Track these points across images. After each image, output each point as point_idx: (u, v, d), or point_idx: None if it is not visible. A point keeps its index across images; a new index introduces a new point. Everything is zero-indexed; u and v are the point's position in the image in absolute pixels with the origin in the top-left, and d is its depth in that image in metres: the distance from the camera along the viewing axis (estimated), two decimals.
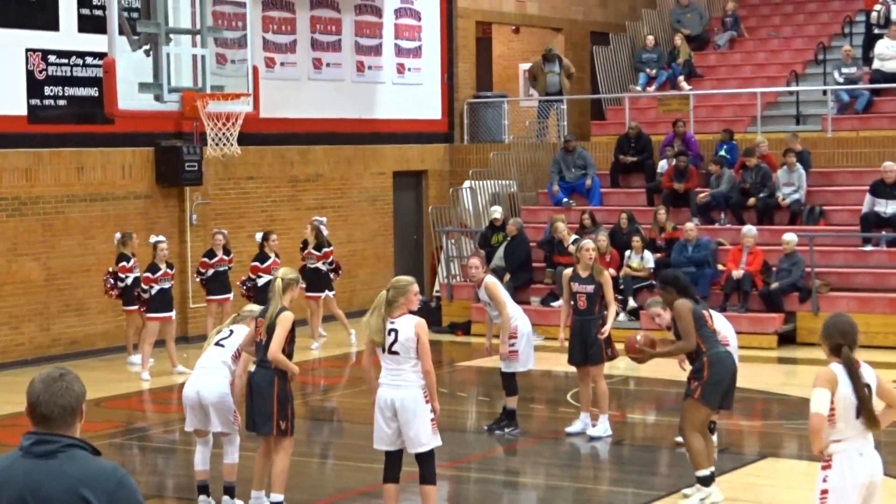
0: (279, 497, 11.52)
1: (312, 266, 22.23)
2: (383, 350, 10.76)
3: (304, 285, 21.27)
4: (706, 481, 11.85)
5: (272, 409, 11.34)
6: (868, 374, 8.15)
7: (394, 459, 11.00)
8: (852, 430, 8.09)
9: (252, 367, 11.73)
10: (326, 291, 22.37)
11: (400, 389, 10.71)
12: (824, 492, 8.18)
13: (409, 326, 10.68)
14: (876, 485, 8.20)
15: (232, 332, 12.14)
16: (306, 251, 22.31)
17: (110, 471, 5.08)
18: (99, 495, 5.00)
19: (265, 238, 21.35)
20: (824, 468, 8.19)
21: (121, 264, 20.21)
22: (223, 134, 19.74)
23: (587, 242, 15.33)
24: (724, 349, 12.36)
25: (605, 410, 15.00)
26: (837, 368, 8.12)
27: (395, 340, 10.70)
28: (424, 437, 10.75)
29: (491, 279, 15.22)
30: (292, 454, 11.69)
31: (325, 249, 22.37)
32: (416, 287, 10.88)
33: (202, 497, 12.14)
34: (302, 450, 13.43)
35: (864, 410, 8.06)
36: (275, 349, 11.25)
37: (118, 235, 20.49)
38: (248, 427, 11.69)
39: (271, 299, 11.51)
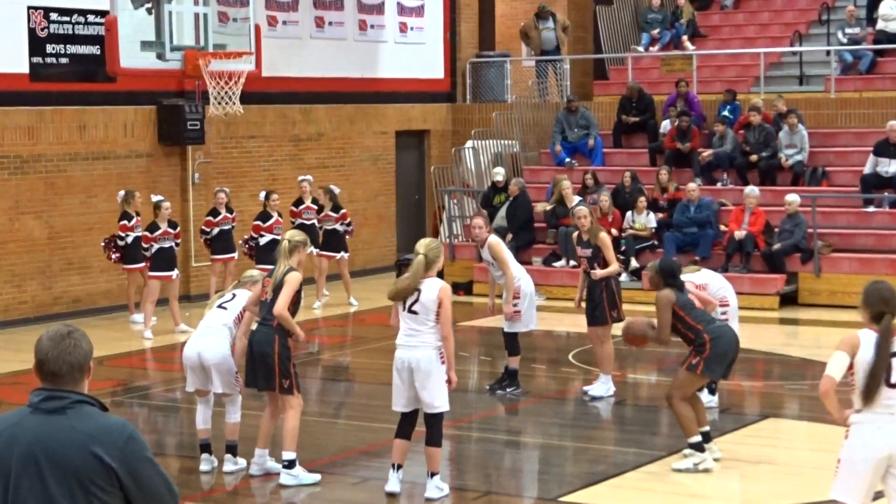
0: (291, 455, 11.58)
1: (329, 227, 22.25)
2: (403, 308, 10.83)
3: (313, 250, 21.37)
4: (698, 447, 11.88)
5: (274, 367, 11.40)
6: None
7: (409, 419, 11.08)
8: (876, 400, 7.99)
9: (254, 326, 11.79)
10: (342, 253, 22.43)
11: (416, 350, 10.79)
12: (839, 461, 8.18)
13: (433, 289, 10.89)
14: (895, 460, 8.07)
15: (234, 295, 12.20)
16: (323, 213, 22.28)
17: (120, 426, 5.11)
18: (109, 450, 5.03)
19: (267, 197, 21.35)
20: (845, 438, 8.18)
21: (122, 223, 20.20)
22: (225, 93, 19.74)
23: (580, 209, 15.40)
24: (722, 323, 12.39)
25: (608, 371, 15.04)
26: (865, 334, 8.02)
27: (417, 300, 10.81)
28: (438, 399, 10.85)
29: (494, 239, 15.23)
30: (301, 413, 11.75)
31: (343, 211, 22.42)
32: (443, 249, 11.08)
33: (204, 455, 12.19)
34: (303, 409, 13.48)
35: (871, 381, 7.93)
36: (281, 306, 11.29)
37: (122, 194, 20.47)
38: (248, 384, 11.76)
39: (278, 260, 11.56)
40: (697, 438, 11.87)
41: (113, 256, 20.30)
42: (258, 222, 21.22)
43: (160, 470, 5.12)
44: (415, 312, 10.86)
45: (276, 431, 11.95)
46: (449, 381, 10.87)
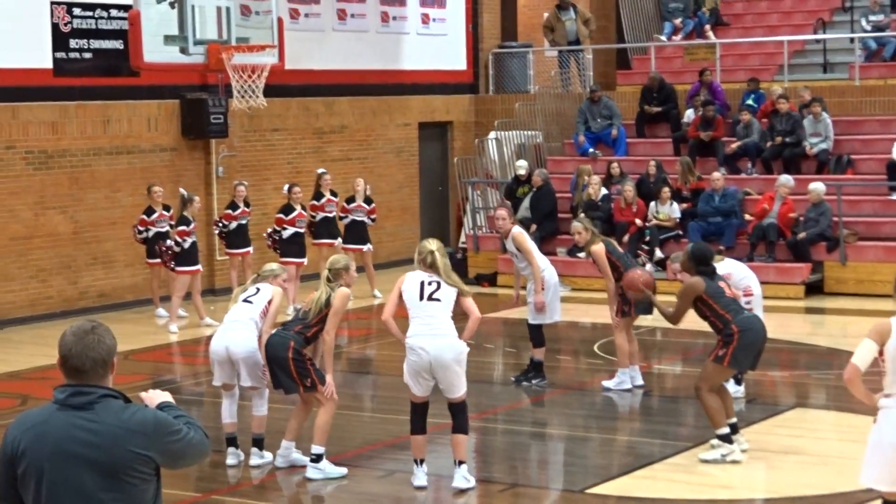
0: (320, 449, 11.62)
1: (359, 219, 22.24)
2: (420, 298, 10.85)
3: (339, 241, 21.46)
4: (727, 438, 11.84)
5: (291, 371, 11.49)
6: None
7: (423, 410, 11.07)
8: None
9: (272, 330, 11.89)
10: (369, 245, 22.47)
11: (437, 339, 10.77)
12: (868, 446, 8.15)
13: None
14: None
15: (258, 289, 12.24)
16: (355, 203, 22.25)
17: (145, 415, 5.18)
18: (142, 441, 5.10)
19: (290, 190, 21.35)
20: (874, 422, 8.15)
21: (142, 216, 20.28)
22: (249, 86, 19.73)
23: (574, 225, 15.37)
24: (751, 313, 12.32)
25: (623, 364, 15.00)
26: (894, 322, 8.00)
27: (438, 288, 10.82)
28: (461, 384, 10.89)
29: (518, 230, 15.20)
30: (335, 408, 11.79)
31: (374, 205, 22.45)
32: None
33: (231, 449, 12.20)
34: None
35: None
36: (331, 337, 11.55)
37: (159, 190, 20.61)
38: (275, 386, 11.83)
39: (320, 287, 11.69)
40: (725, 430, 11.83)
41: (137, 238, 20.43)
42: (281, 215, 21.22)
43: (188, 436, 5.21)
44: (437, 300, 10.93)
45: (307, 425, 11.95)
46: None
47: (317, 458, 11.63)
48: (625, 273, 14.11)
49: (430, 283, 10.96)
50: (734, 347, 11.69)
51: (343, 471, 11.73)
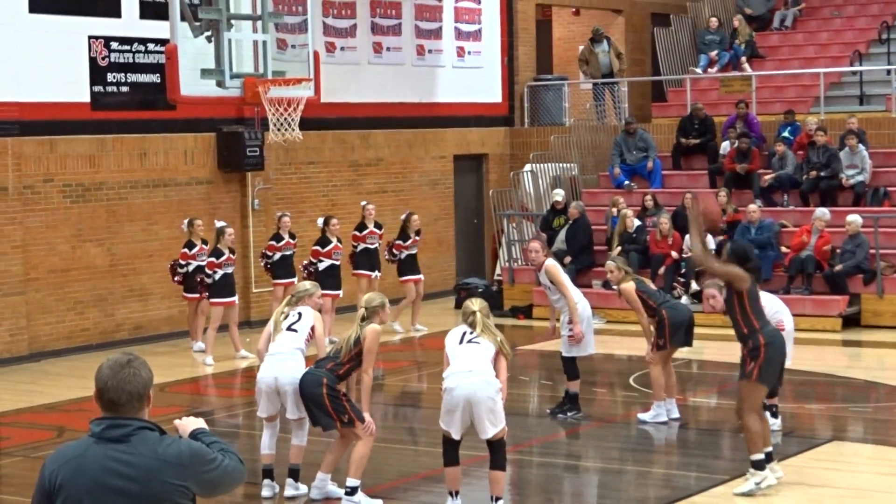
0: (355, 482, 11.58)
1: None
2: (460, 343, 11.00)
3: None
4: (760, 465, 11.79)
5: (327, 408, 11.54)
6: None
7: (455, 442, 11.07)
8: None
9: (306, 368, 11.94)
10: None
11: (472, 375, 10.83)
12: None
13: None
14: None
15: (300, 315, 12.27)
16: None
17: (181, 447, 5.20)
18: (180, 473, 5.13)
19: (326, 223, 21.38)
20: None
21: (183, 250, 20.32)
22: (285, 119, 19.79)
23: (608, 263, 15.47)
24: (773, 327, 12.27)
25: (659, 397, 14.95)
26: None
27: (478, 336, 11.03)
28: (496, 422, 10.90)
29: (551, 262, 15.20)
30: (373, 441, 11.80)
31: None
32: None
33: (266, 481, 12.20)
34: None
35: None
36: (369, 376, 11.74)
37: (185, 221, 20.63)
38: (313, 423, 11.83)
39: (354, 325, 11.82)
40: (760, 456, 11.78)
41: (175, 278, 20.45)
42: (317, 247, 21.25)
43: (223, 464, 5.25)
44: (477, 342, 10.97)
45: (343, 458, 11.95)
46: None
47: (352, 491, 11.59)
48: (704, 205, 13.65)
49: (471, 333, 11.10)
50: (762, 361, 11.65)
51: (378, 503, 11.72)
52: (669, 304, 15.10)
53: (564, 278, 15.15)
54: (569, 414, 15.31)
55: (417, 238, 22.50)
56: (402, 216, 22.56)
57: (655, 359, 14.87)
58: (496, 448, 10.99)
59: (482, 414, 10.82)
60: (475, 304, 11.29)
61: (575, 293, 15.21)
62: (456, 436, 11.01)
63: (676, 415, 15.07)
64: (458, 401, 10.83)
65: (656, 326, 14.75)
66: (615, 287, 15.36)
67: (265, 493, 12.15)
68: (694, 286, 22.57)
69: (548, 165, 26.82)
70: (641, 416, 15.13)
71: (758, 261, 12.27)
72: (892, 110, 25.59)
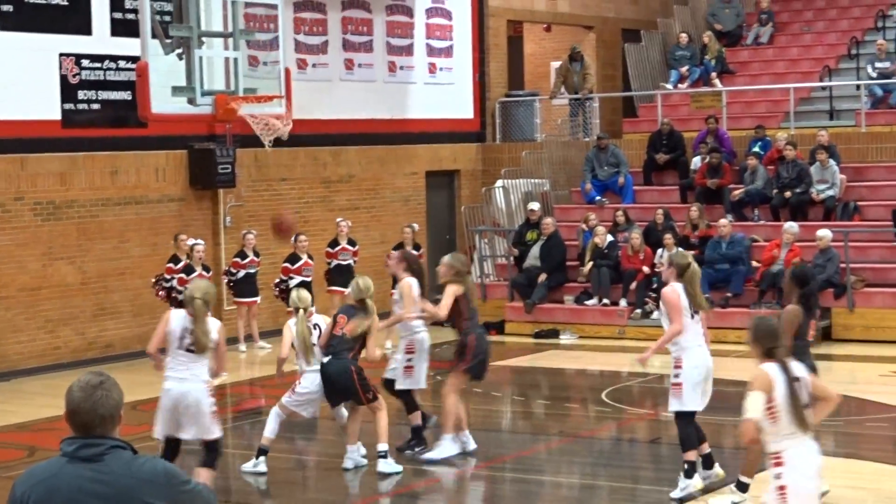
0: (385, 446, 13.22)
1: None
2: (179, 347, 11.60)
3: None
4: (744, 488, 11.83)
5: (357, 390, 13.15)
6: (798, 370, 8.47)
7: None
8: (793, 425, 8.38)
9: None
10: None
11: (185, 383, 11.47)
12: (783, 489, 8.42)
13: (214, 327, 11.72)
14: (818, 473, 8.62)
15: (317, 325, 13.62)
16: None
17: (157, 467, 5.19)
18: (155, 491, 5.12)
19: (295, 239, 21.41)
20: (776, 465, 8.45)
21: (168, 265, 20.37)
22: (266, 126, 19.82)
23: (444, 259, 14.37)
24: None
25: (451, 430, 13.93)
26: (771, 369, 8.40)
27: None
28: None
29: (407, 281, 14.39)
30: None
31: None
32: None
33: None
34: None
35: (795, 410, 8.35)
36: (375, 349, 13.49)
37: (175, 236, 20.97)
38: (333, 404, 13.61)
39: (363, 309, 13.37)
40: (748, 480, 11.81)
41: (160, 293, 20.43)
42: (287, 264, 21.26)
43: (196, 487, 5.27)
44: (190, 351, 11.53)
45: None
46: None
47: (385, 454, 13.25)
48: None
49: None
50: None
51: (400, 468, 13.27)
52: (480, 331, 14.29)
53: (416, 298, 14.24)
54: (416, 449, 14.21)
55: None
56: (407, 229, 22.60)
57: (454, 386, 13.91)
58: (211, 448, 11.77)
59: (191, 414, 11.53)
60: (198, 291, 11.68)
61: (417, 320, 14.30)
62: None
63: (473, 446, 14.09)
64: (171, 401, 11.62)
65: (456, 347, 14.00)
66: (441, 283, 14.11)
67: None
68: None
69: (520, 181, 26.86)
70: (429, 455, 13.95)
71: (815, 285, 12.22)
72: (862, 125, 25.73)
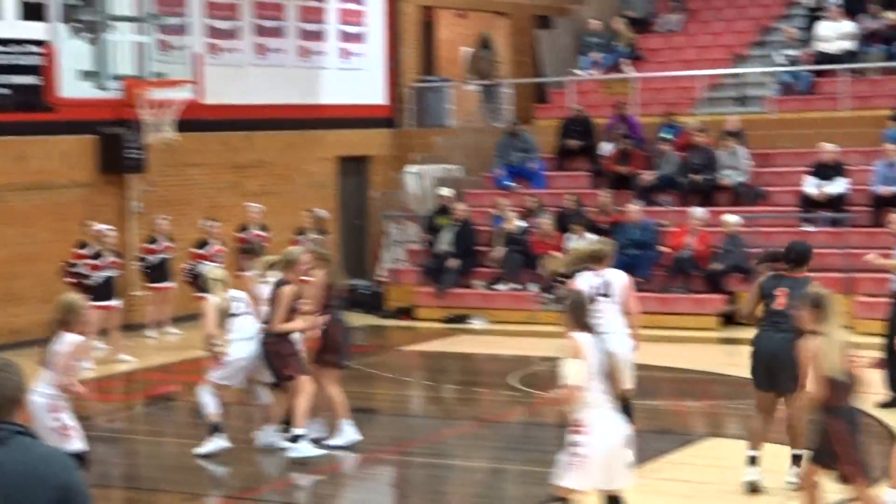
0: (301, 430, 13.21)
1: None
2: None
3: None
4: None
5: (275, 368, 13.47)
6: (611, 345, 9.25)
7: None
8: (600, 395, 8.95)
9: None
10: None
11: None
12: (579, 455, 9.08)
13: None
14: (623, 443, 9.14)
15: (235, 298, 13.76)
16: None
17: (60, 456, 5.20)
18: (50, 478, 5.07)
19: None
20: (575, 432, 9.05)
21: (74, 250, 20.17)
22: (159, 120, 19.68)
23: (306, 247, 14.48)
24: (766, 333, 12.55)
25: (342, 415, 13.71)
26: (584, 338, 8.94)
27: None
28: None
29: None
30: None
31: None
32: None
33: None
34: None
35: (609, 376, 8.95)
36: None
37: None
38: (274, 386, 13.62)
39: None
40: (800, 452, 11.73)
41: (69, 280, 20.21)
42: (198, 250, 21.19)
43: (87, 489, 5.22)
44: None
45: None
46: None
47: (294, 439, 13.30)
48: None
49: None
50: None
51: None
52: (342, 317, 13.99)
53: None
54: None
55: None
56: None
57: (331, 379, 13.66)
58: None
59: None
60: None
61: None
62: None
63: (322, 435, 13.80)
64: None
65: (320, 336, 13.65)
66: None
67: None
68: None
69: (432, 167, 26.88)
70: (334, 442, 13.62)
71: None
72: (771, 112, 25.98)
